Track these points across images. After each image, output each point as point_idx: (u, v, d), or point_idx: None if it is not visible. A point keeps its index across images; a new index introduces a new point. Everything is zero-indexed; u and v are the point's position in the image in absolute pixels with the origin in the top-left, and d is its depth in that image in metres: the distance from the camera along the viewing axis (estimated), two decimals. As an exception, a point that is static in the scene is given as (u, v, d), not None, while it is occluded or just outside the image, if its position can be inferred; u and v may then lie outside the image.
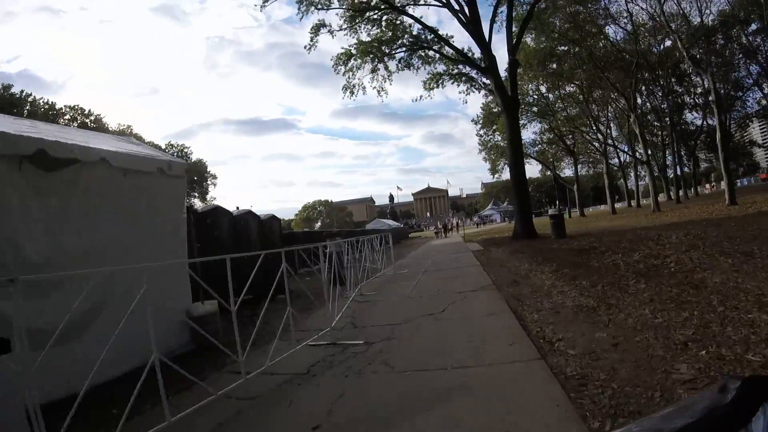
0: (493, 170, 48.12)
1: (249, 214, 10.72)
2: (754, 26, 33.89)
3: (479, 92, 27.08)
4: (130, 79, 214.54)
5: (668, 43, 36.99)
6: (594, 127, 40.33)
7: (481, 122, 46.65)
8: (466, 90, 27.04)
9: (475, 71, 26.24)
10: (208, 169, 68.42)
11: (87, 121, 54.14)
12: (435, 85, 26.85)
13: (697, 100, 47.36)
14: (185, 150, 67.44)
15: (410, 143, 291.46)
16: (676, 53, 38.55)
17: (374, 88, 26.52)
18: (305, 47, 24.94)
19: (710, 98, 26.02)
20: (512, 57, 21.07)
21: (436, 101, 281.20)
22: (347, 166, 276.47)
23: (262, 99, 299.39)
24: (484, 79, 26.08)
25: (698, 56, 28.71)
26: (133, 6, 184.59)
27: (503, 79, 21.91)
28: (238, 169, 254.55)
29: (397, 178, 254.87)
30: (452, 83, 26.98)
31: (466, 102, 35.23)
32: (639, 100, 32.82)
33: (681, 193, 51.17)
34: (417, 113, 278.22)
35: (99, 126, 54.35)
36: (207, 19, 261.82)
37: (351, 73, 26.13)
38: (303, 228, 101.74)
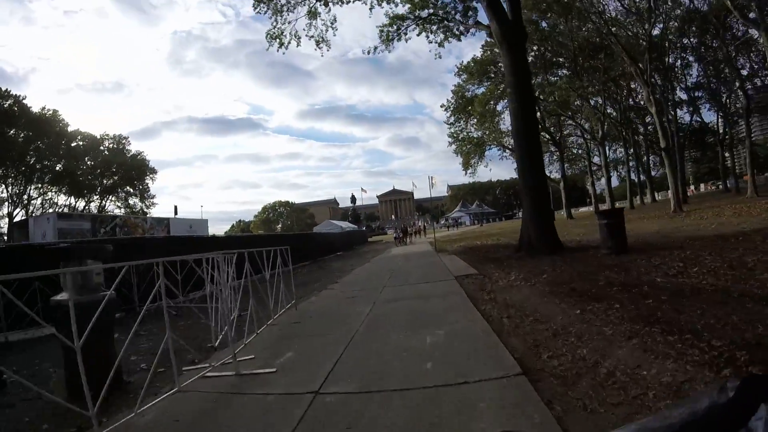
0: (466, 166, 39.64)
1: None
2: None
3: (460, 39, 18.60)
4: (94, 73, 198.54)
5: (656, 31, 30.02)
6: (589, 109, 32.24)
7: (451, 109, 38.20)
8: (441, 41, 18.78)
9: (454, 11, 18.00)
10: (149, 163, 57.06)
11: (3, 102, 42.83)
12: (395, 35, 18.55)
13: (681, 96, 40.65)
14: (123, 141, 56.26)
15: (377, 146, 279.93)
16: (665, 43, 31.44)
17: (311, 37, 18.13)
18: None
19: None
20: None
21: (402, 104, 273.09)
22: (313, 168, 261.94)
23: (228, 98, 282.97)
24: (468, 21, 17.82)
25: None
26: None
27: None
28: (203, 170, 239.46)
29: (363, 180, 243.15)
30: (418, 33, 18.66)
31: (440, 56, 26.15)
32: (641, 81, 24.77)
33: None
34: (384, 115, 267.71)
35: (21, 108, 43.40)
36: (174, 13, 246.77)
37: (279, 16, 17.74)
38: (260, 231, 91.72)
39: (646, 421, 0.66)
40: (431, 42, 18.60)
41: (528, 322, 4.76)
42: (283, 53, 19.37)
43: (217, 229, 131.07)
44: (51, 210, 42.90)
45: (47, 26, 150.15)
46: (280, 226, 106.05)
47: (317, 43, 18.48)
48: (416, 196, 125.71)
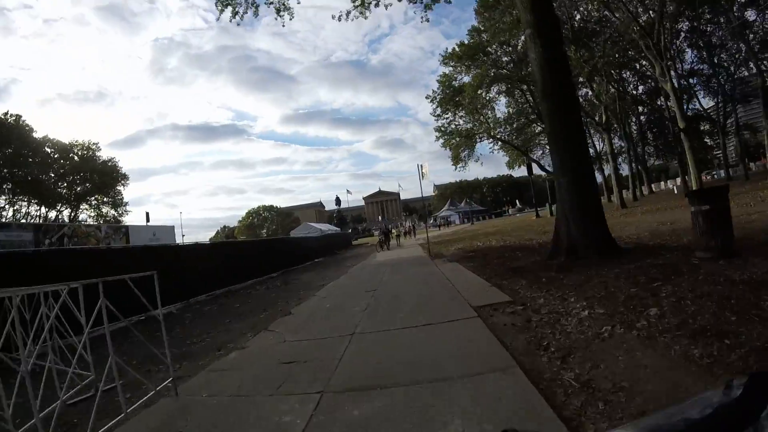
0: (455, 161, 35.99)
1: None
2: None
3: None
4: (76, 83, 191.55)
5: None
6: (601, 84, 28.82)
7: (438, 100, 34.59)
8: (429, 2, 15.42)
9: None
10: (120, 169, 52.31)
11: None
12: (371, -3, 15.14)
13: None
14: (92, 147, 51.48)
15: (362, 148, 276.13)
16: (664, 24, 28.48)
17: (270, 3, 14.70)
18: None
19: None
20: None
21: (386, 107, 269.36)
22: (299, 172, 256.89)
23: (212, 104, 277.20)
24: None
25: None
26: (79, 5, 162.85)
27: None
28: (188, 177, 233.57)
29: (349, 183, 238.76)
30: (400, -2, 15.19)
31: (428, 20, 19.87)
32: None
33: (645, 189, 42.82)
34: (368, 118, 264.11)
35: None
36: (155, 20, 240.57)
37: (228, -25, 14.43)
38: (243, 237, 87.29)
39: (656, 418, 0.63)
40: (415, 2, 15.08)
41: None
42: (238, 24, 15.80)
43: (203, 236, 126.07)
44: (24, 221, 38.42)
45: (27, 35, 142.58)
46: (264, 231, 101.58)
47: (278, 11, 14.96)
48: (402, 197, 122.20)
